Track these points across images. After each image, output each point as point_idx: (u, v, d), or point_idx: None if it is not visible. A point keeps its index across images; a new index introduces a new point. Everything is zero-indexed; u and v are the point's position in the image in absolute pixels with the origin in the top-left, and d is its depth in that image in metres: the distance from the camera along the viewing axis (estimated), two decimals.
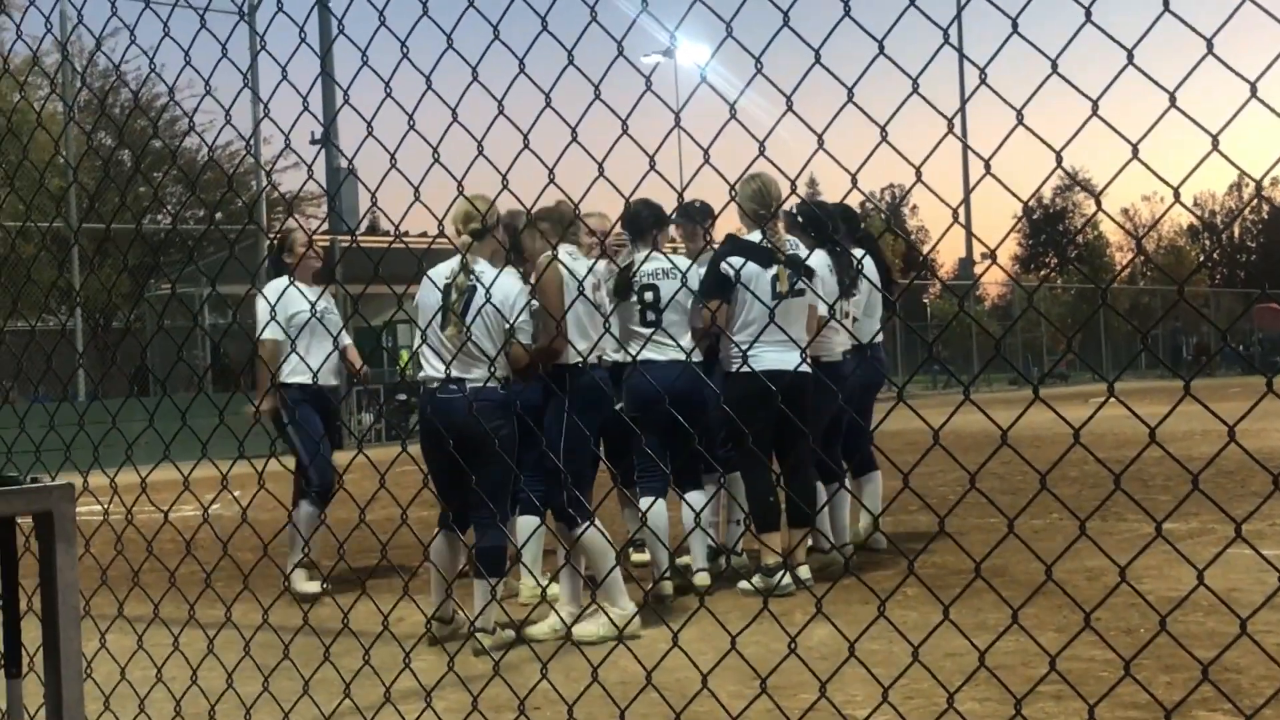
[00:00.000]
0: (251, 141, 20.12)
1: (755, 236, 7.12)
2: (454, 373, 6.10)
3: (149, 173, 28.93)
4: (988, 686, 4.58)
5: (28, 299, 18.57)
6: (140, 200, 25.84)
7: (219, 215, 31.15)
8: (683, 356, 7.03)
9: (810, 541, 7.85)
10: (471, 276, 6.14)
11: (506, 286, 6.23)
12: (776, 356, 6.90)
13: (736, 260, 7.11)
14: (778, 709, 3.22)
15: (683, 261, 7.45)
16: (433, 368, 6.20)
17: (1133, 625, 5.79)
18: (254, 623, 3.87)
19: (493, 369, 6.09)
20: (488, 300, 6.07)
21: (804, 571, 7.22)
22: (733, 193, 2.84)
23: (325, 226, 24.10)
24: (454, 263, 6.23)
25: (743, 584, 7.27)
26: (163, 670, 3.96)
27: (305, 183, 3.62)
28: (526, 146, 2.87)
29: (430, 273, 5.91)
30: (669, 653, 3.01)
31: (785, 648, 2.77)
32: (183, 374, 24.27)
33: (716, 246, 7.48)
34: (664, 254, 7.50)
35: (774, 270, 7.06)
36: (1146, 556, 2.71)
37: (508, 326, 6.11)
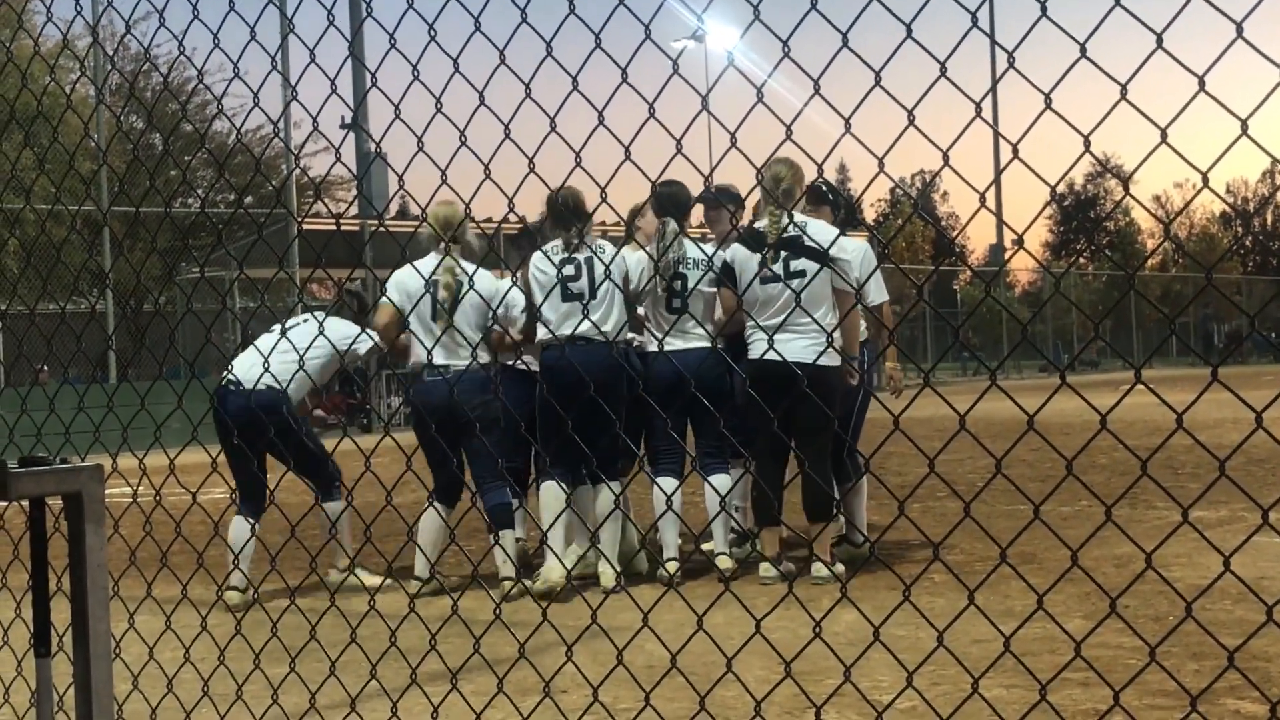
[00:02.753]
0: (281, 125, 20.15)
1: (761, 223, 7.07)
2: (441, 359, 7.03)
3: (179, 156, 29.02)
4: (1014, 673, 4.57)
5: (58, 281, 18.67)
6: (170, 184, 25.92)
7: (248, 199, 31.27)
8: (705, 343, 7.09)
9: (839, 533, 7.81)
10: (456, 275, 7.04)
11: (490, 283, 7.26)
12: (762, 345, 6.81)
13: (735, 246, 7.10)
14: (803, 693, 3.22)
15: (710, 249, 7.47)
16: (431, 354, 7.08)
17: (1160, 612, 5.77)
18: (281, 604, 3.89)
19: (475, 354, 6.99)
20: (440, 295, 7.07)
21: (818, 568, 6.98)
22: (759, 176, 2.83)
23: (354, 210, 24.15)
24: (431, 261, 7.14)
25: (761, 570, 7.21)
26: (191, 651, 3.98)
27: (333, 166, 3.62)
28: (553, 130, 2.86)
29: (414, 266, 6.59)
30: (694, 636, 3.01)
31: (811, 633, 2.76)
32: (212, 356, 24.36)
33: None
34: (693, 240, 7.53)
35: (759, 256, 6.92)
36: (1174, 544, 2.70)
37: (490, 318, 7.10)
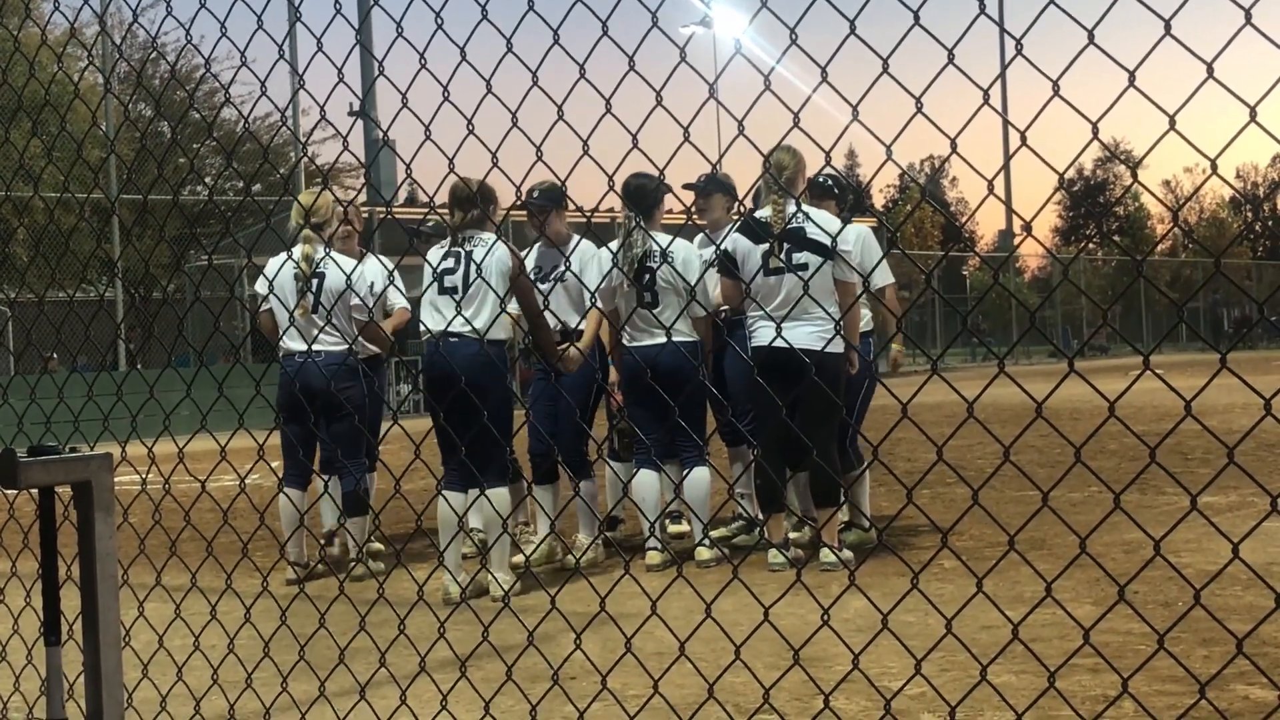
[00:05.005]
0: (288, 113, 20.14)
1: (762, 212, 7.04)
2: (306, 346, 6.84)
3: (187, 144, 29.03)
4: (1023, 659, 4.57)
5: (67, 269, 18.69)
6: (179, 171, 25.93)
7: (256, 186, 31.28)
8: (675, 337, 7.06)
9: (846, 517, 7.83)
10: (319, 264, 7.29)
11: (358, 271, 7.39)
12: (767, 333, 6.81)
13: (735, 237, 7.05)
14: (811, 680, 3.22)
15: (672, 239, 7.44)
16: (290, 340, 7.26)
17: (1170, 598, 5.76)
18: (291, 591, 3.89)
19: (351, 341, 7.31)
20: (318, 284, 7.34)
21: (826, 555, 6.96)
22: (767, 164, 2.83)
23: (362, 198, 24.19)
24: (298, 250, 7.35)
25: (770, 557, 7.22)
26: (200, 638, 3.99)
27: (341, 154, 3.61)
28: (560, 118, 2.86)
29: (275, 260, 7.21)
30: (703, 623, 3.01)
31: (820, 620, 2.76)
32: (221, 344, 24.38)
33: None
34: (652, 233, 7.43)
35: (764, 246, 6.87)
36: (1184, 530, 2.70)
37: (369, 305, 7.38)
